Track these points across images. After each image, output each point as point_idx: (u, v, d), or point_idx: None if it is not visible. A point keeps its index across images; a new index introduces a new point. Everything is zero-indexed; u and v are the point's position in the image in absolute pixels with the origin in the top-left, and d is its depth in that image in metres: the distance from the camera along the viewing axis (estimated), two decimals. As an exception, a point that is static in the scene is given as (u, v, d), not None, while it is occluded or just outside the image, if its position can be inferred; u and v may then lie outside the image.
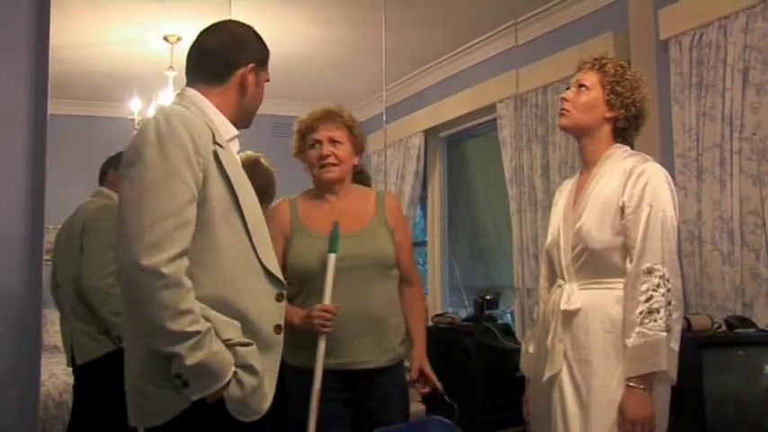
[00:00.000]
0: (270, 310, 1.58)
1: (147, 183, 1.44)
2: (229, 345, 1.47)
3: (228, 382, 1.46)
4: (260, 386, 1.52)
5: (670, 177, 1.90)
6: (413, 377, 2.15)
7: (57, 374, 3.79)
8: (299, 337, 2.09)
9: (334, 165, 2.19)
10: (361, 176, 2.94)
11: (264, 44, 1.74)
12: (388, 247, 2.18)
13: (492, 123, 4.45)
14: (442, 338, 3.85)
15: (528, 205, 4.08)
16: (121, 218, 1.45)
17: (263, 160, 3.07)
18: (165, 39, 4.12)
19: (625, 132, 1.98)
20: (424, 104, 5.04)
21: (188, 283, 1.43)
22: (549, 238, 2.03)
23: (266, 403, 1.55)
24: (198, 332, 1.42)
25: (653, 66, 3.31)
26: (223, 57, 1.65)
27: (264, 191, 2.96)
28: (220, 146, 1.56)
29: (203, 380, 1.44)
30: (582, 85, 1.96)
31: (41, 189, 2.39)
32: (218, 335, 1.46)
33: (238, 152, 1.72)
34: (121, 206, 1.47)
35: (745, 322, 2.66)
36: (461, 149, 5.18)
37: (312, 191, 2.28)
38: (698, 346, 2.42)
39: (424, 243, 5.09)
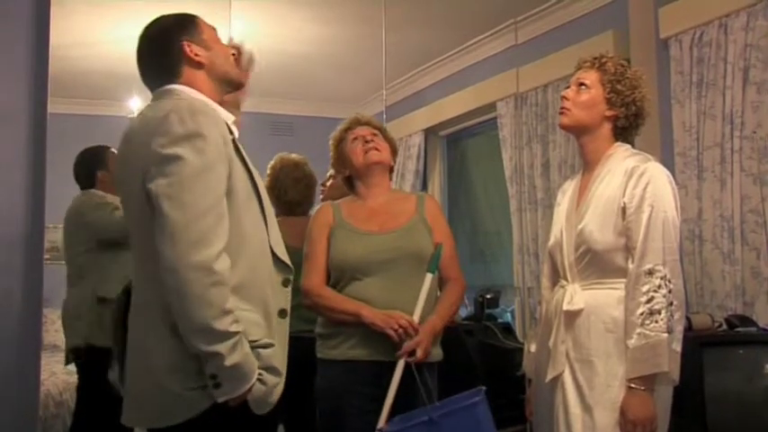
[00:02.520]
0: (277, 295, 1.60)
1: (185, 179, 1.43)
2: (253, 347, 1.49)
3: (252, 386, 1.48)
4: (280, 383, 1.55)
5: (672, 177, 1.89)
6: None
7: (57, 374, 3.80)
8: (331, 331, 2.17)
9: (377, 149, 2.29)
10: None
11: (180, 16, 1.71)
12: (426, 245, 2.21)
13: (492, 122, 4.45)
14: (443, 337, 3.85)
15: (528, 204, 4.08)
16: (163, 215, 1.42)
17: (308, 167, 3.03)
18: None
19: (625, 132, 1.97)
20: (424, 103, 5.04)
21: (230, 282, 1.44)
22: (552, 239, 2.03)
23: (279, 390, 1.56)
24: (238, 333, 1.43)
25: (653, 64, 3.30)
26: (159, 59, 1.66)
27: (304, 200, 2.95)
28: (233, 133, 1.58)
29: (235, 381, 1.45)
30: (582, 84, 1.96)
31: (41, 188, 2.39)
32: (246, 335, 1.47)
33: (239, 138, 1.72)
34: (161, 204, 1.43)
35: (746, 321, 2.66)
36: (461, 148, 5.18)
37: (352, 196, 2.36)
38: (698, 345, 2.42)
39: (424, 242, 5.09)
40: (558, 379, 1.88)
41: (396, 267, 2.17)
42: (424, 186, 5.12)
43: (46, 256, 2.53)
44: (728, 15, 2.98)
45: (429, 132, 5.07)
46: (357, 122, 2.38)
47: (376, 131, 2.34)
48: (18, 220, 2.34)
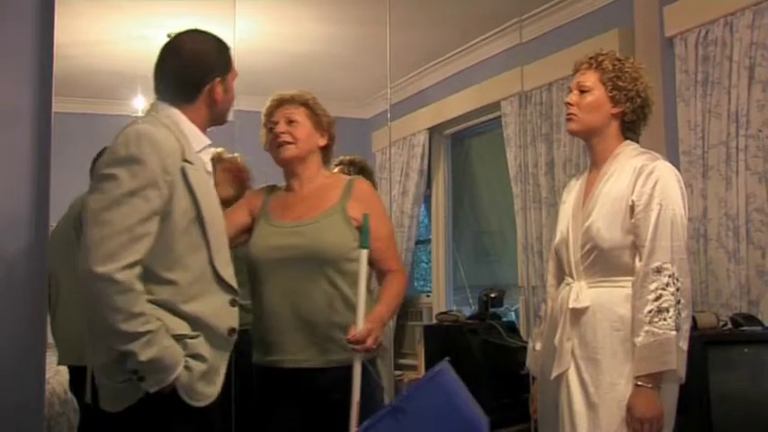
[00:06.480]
0: (224, 315, 1.70)
1: (111, 199, 1.55)
2: (179, 338, 1.60)
3: (180, 374, 1.59)
4: (208, 372, 1.64)
5: (680, 176, 1.89)
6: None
7: (61, 372, 3.80)
8: (260, 336, 2.06)
9: (289, 143, 2.07)
10: (363, 173, 2.93)
11: (224, 48, 1.80)
12: (339, 240, 1.99)
13: (496, 121, 4.44)
14: (447, 337, 3.85)
15: (532, 203, 4.08)
16: (84, 227, 1.56)
17: (239, 160, 2.96)
18: (169, 37, 4.13)
19: (633, 125, 1.98)
20: (428, 102, 5.03)
21: (140, 287, 1.55)
22: (558, 236, 2.03)
23: (214, 389, 1.67)
24: (149, 331, 1.54)
25: (658, 63, 3.30)
26: (187, 80, 1.74)
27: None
28: (189, 162, 1.66)
29: (158, 373, 1.57)
30: (583, 87, 1.96)
31: (46, 187, 2.40)
32: (169, 330, 1.59)
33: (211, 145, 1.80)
34: (85, 216, 1.57)
35: (751, 320, 2.66)
36: (465, 147, 5.18)
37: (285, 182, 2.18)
38: (703, 344, 2.41)
39: (428, 241, 5.09)
40: (562, 377, 1.88)
41: (292, 266, 1.97)
42: (428, 185, 5.12)
43: (50, 255, 2.53)
44: (734, 13, 2.97)
45: (433, 131, 5.06)
46: (276, 105, 2.12)
47: (299, 110, 2.10)
48: (22, 218, 2.34)
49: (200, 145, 1.74)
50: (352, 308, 1.93)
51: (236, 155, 3.01)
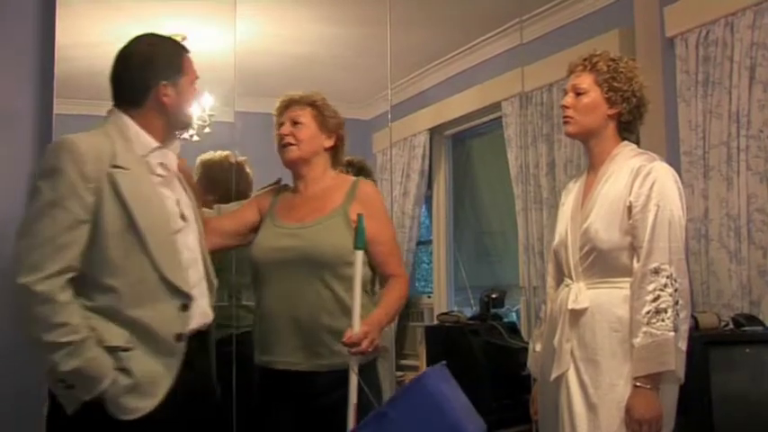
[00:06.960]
0: (171, 320, 1.67)
1: (35, 211, 1.60)
2: (112, 350, 1.60)
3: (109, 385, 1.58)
4: (138, 386, 1.61)
5: (678, 176, 1.89)
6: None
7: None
8: (258, 337, 2.06)
9: (292, 144, 2.08)
10: (362, 174, 2.92)
11: (176, 51, 1.80)
12: (337, 242, 1.96)
13: (497, 122, 4.44)
14: (448, 337, 3.86)
15: (533, 204, 4.08)
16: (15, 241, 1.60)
17: (246, 167, 2.93)
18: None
19: (630, 125, 1.98)
20: (428, 103, 5.03)
21: (63, 298, 1.56)
22: (557, 237, 2.03)
23: (149, 402, 1.62)
24: (70, 343, 1.55)
25: (659, 63, 3.30)
26: (132, 84, 1.75)
27: (243, 196, 2.83)
28: (121, 167, 1.65)
29: (85, 383, 1.57)
30: (579, 89, 1.96)
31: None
32: (103, 341, 1.59)
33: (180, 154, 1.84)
34: (18, 230, 1.61)
35: (753, 320, 2.65)
36: (466, 148, 5.18)
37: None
38: (705, 345, 2.41)
39: (429, 242, 5.10)
40: (562, 378, 1.88)
41: (288, 267, 1.97)
42: (429, 186, 5.12)
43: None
44: (735, 14, 2.96)
45: (434, 132, 5.06)
46: (284, 106, 2.13)
47: (305, 110, 2.10)
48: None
49: (145, 149, 1.73)
50: (348, 312, 1.88)
51: (242, 158, 3.01)
